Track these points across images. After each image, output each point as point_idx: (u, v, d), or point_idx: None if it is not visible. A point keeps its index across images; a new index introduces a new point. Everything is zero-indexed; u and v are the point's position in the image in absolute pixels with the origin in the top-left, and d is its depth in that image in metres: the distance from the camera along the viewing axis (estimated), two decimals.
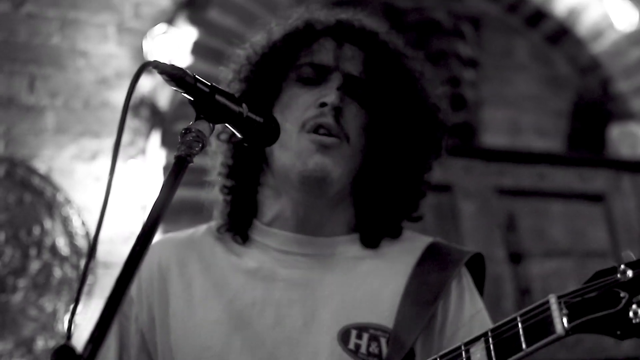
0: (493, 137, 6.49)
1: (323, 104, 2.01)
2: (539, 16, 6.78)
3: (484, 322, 2.08)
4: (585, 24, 6.64)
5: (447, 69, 6.29)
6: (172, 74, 1.67)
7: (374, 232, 2.16)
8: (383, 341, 1.97)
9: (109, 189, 1.55)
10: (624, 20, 6.40)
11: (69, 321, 1.39)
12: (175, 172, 1.59)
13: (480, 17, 6.66)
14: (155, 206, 1.53)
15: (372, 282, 2.08)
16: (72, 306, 1.25)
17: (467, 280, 2.14)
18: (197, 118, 1.72)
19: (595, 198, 6.09)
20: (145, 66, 1.64)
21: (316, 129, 2.01)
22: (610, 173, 6.19)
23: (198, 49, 5.10)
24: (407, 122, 2.14)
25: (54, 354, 1.29)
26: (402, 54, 2.19)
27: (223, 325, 2.02)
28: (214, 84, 1.75)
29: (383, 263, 2.13)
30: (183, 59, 4.97)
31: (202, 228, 2.28)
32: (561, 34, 6.82)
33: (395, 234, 2.19)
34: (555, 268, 5.77)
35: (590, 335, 5.04)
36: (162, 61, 1.68)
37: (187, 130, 1.66)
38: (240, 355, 1.97)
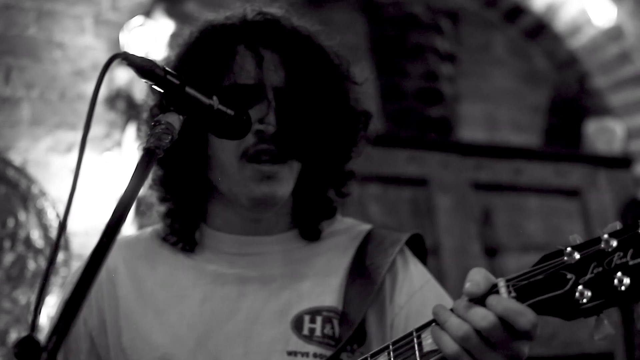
0: (470, 132, 6.51)
1: (259, 132, 1.97)
2: (517, 11, 6.81)
3: (436, 290, 2.15)
4: (563, 19, 6.67)
5: (425, 64, 6.31)
6: (141, 66, 1.66)
7: (311, 225, 2.19)
8: (336, 322, 2.00)
9: (76, 180, 1.55)
10: (601, 16, 6.44)
11: (34, 313, 1.37)
12: (144, 165, 1.58)
13: (459, 12, 6.68)
14: (123, 198, 1.52)
15: (318, 269, 2.11)
16: (36, 297, 1.22)
17: (410, 254, 2.19)
18: (167, 110, 1.70)
19: (571, 193, 6.14)
20: (114, 58, 1.63)
21: (258, 157, 1.99)
22: (586, 168, 6.24)
23: (175, 42, 5.08)
24: (332, 116, 2.11)
25: (16, 346, 1.28)
26: (320, 49, 2.14)
27: (175, 323, 2.02)
28: (184, 76, 1.74)
29: (327, 250, 2.17)
30: (160, 52, 4.95)
31: (148, 230, 2.28)
32: (539, 29, 6.85)
33: (329, 214, 2.23)
34: (531, 263, 5.77)
35: (564, 330, 5.07)
36: (131, 53, 1.67)
37: (157, 122, 1.65)
38: (193, 351, 1.98)
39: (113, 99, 4.97)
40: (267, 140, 1.97)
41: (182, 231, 2.16)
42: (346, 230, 2.24)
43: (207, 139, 2.02)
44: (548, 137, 6.81)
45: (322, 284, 2.07)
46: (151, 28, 5.05)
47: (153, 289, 2.09)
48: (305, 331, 1.98)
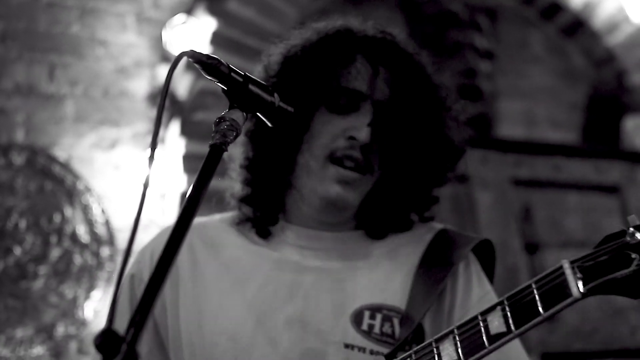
0: (509, 129, 6.50)
1: (352, 138, 2.02)
2: (555, 8, 6.79)
3: (493, 302, 2.12)
4: (601, 16, 6.65)
5: (463, 61, 6.31)
6: (208, 64, 1.71)
7: (377, 226, 2.20)
8: (396, 321, 2.00)
9: (147, 185, 1.60)
10: (639, 13, 6.41)
11: (111, 308, 1.40)
12: (211, 161, 1.62)
13: (496, 9, 6.68)
14: (191, 194, 1.57)
15: (384, 267, 2.12)
16: (113, 294, 1.25)
17: (475, 266, 2.17)
18: (231, 107, 1.75)
19: (611, 189, 6.13)
20: (182, 56, 1.68)
21: (342, 161, 2.04)
22: (625, 165, 6.23)
23: (217, 40, 5.13)
24: (429, 146, 2.14)
25: (98, 337, 1.31)
26: (430, 77, 2.17)
27: (236, 305, 2.05)
28: (247, 73, 1.78)
29: (394, 249, 2.17)
30: (202, 49, 4.97)
31: (217, 217, 2.30)
32: (576, 27, 6.83)
33: (405, 227, 2.22)
34: (570, 258, 5.78)
35: (605, 326, 5.04)
36: (197, 51, 1.71)
37: (221, 119, 1.69)
38: (253, 331, 2.00)
39: (155, 96, 5.03)
40: (356, 149, 2.02)
41: (261, 220, 2.19)
42: (416, 230, 2.22)
43: (304, 131, 2.08)
44: (586, 134, 6.80)
45: (386, 281, 2.08)
46: (193, 26, 5.09)
47: (217, 272, 2.11)
48: (364, 326, 1.99)
